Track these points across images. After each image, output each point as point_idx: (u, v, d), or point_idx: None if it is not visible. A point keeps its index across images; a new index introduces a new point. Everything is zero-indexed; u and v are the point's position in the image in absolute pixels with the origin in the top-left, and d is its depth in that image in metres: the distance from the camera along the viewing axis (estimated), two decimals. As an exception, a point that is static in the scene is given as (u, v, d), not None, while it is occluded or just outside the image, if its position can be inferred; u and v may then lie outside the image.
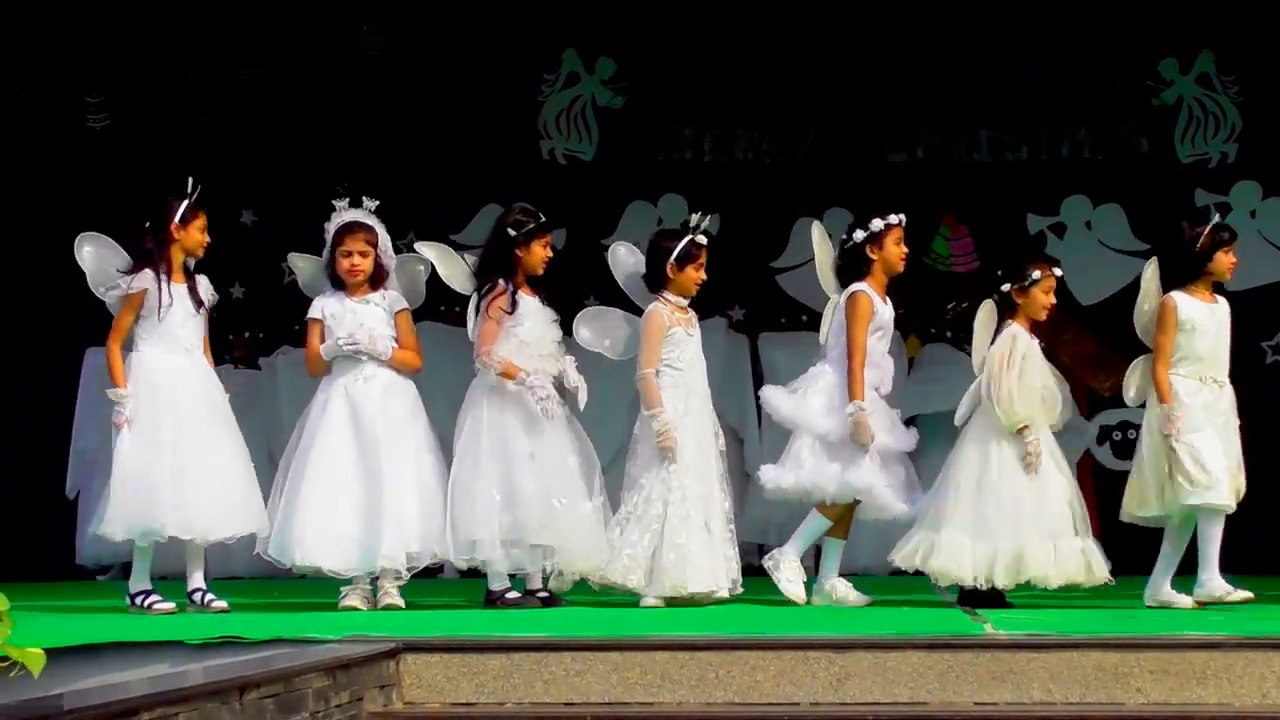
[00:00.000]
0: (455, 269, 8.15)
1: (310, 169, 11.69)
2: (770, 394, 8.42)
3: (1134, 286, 11.60)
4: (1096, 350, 11.85)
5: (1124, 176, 11.90)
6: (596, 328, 8.42)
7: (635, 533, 7.90)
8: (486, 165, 11.98)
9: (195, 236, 7.84)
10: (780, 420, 8.36)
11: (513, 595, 7.81)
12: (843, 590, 8.12)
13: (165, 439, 7.66)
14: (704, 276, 8.19)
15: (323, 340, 7.94)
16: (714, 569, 7.93)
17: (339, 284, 8.01)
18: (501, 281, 7.98)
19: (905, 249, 8.20)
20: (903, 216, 8.19)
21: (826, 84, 12.07)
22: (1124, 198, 11.89)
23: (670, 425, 7.94)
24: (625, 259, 8.37)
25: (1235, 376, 11.56)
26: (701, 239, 8.18)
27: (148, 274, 7.72)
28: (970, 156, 12.12)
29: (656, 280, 8.18)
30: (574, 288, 12.03)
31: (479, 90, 12.11)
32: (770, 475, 8.19)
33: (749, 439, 11.61)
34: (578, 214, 11.93)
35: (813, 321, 9.17)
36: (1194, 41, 11.78)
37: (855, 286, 8.13)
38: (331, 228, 8.02)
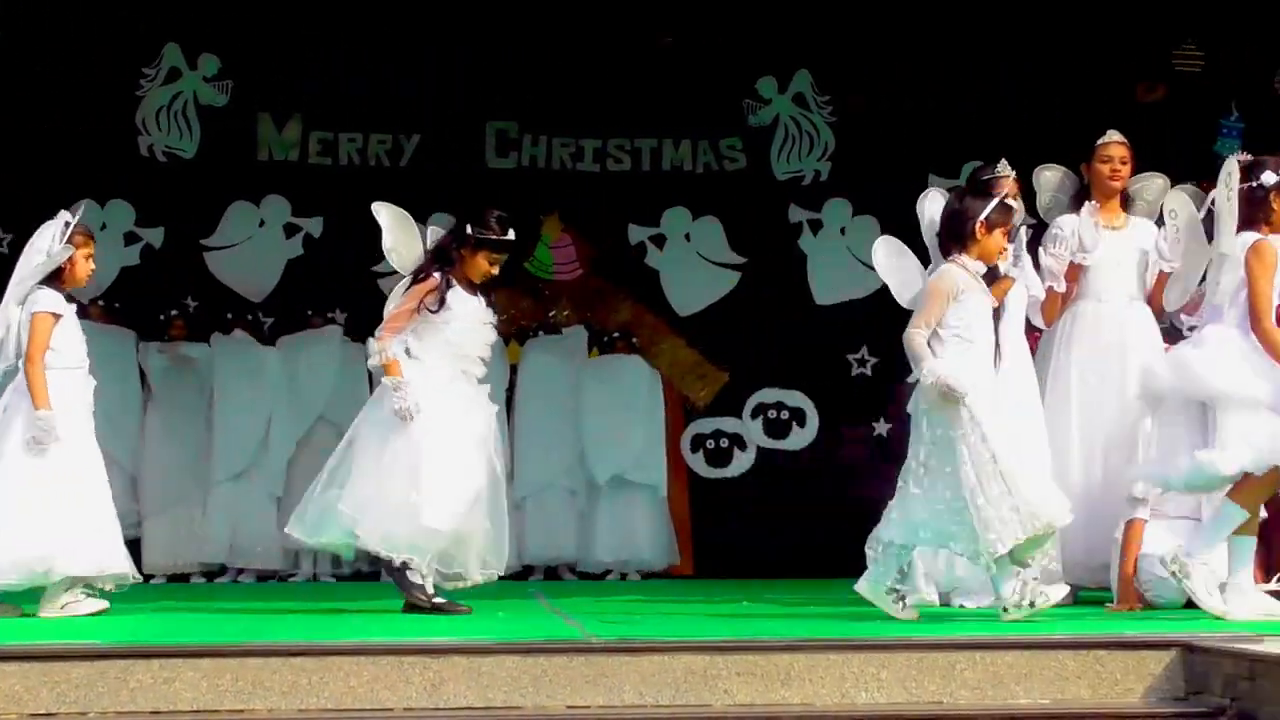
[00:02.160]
0: (407, 243, 7.98)
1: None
2: (1174, 365, 7.54)
3: (730, 298, 11.99)
4: (693, 360, 12.08)
5: (723, 191, 12.14)
6: (893, 263, 7.92)
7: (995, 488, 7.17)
8: (84, 158, 11.64)
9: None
10: (1192, 394, 7.42)
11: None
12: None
13: None
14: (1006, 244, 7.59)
15: None
16: None
17: None
18: (438, 275, 7.77)
19: None
20: None
21: (433, 88, 12.06)
22: (722, 211, 12.12)
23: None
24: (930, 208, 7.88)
25: (821, 389, 11.98)
26: (1011, 203, 7.58)
27: None
28: (574, 165, 12.23)
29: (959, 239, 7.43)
30: (172, 285, 11.85)
31: (75, 81, 11.76)
32: (1213, 460, 7.11)
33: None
34: (177, 212, 11.71)
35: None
36: (791, 61, 12.07)
37: (1255, 236, 7.35)
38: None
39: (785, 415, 11.92)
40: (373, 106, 12.12)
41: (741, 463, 11.92)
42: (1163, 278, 8.23)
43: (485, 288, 7.94)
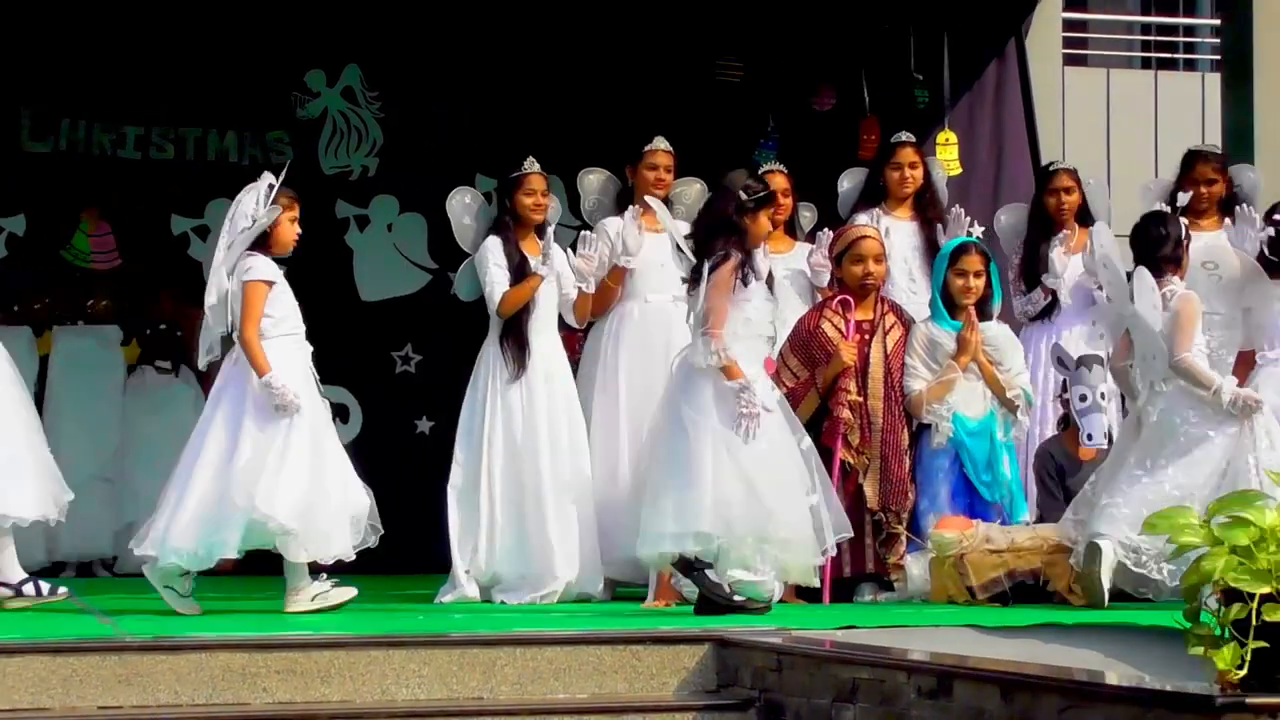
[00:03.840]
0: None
1: None
2: None
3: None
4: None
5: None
6: None
7: None
8: None
9: None
10: None
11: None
12: None
13: None
14: None
15: None
16: None
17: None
18: (735, 252, 7.27)
19: None
20: None
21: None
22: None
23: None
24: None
25: (364, 387, 11.90)
26: None
27: None
28: (115, 152, 11.88)
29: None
30: None
31: None
32: None
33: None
34: None
35: None
36: (341, 55, 11.96)
37: None
38: None
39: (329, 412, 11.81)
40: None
41: (284, 460, 11.77)
42: None
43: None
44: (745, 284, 7.34)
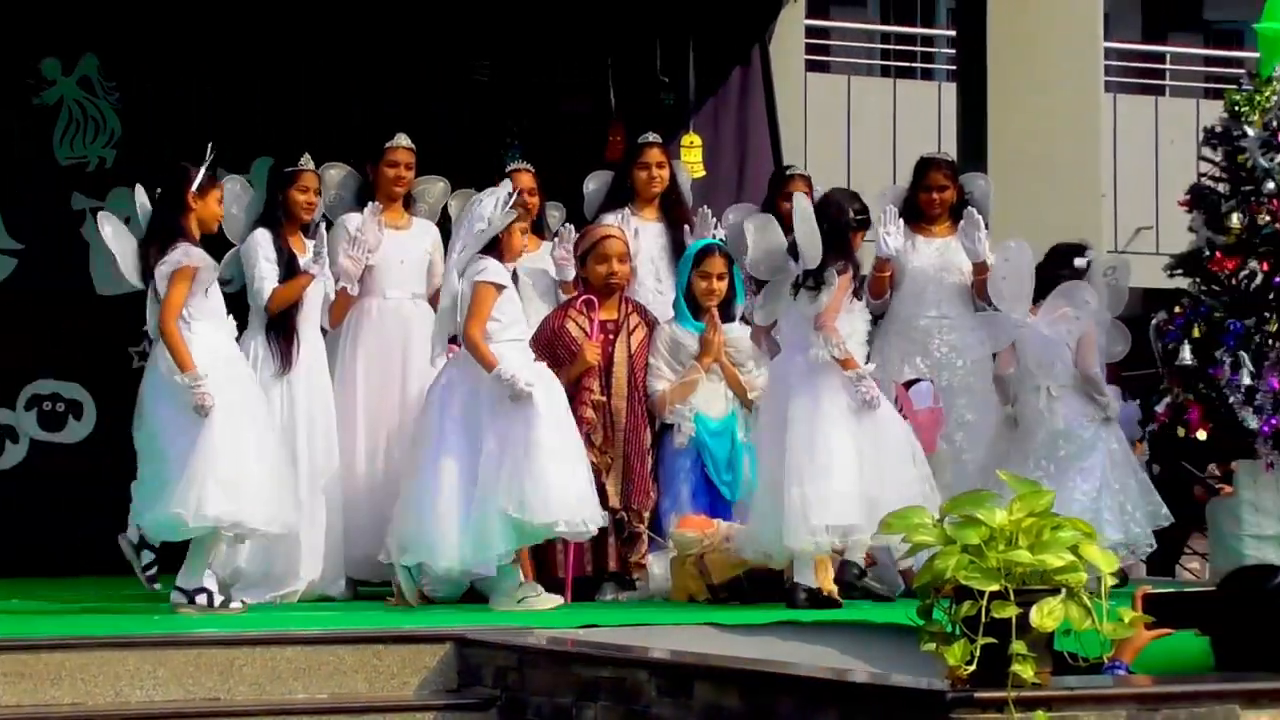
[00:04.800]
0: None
1: None
2: None
3: (6, 286, 11.49)
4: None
5: (1, 173, 11.64)
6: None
7: None
8: None
9: (212, 208, 7.68)
10: None
11: None
12: None
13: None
14: None
15: None
16: None
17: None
18: (849, 263, 7.62)
19: None
20: None
21: None
22: (1, 198, 11.63)
23: None
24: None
25: (100, 381, 11.65)
26: None
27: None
28: None
29: None
30: None
31: None
32: None
33: None
34: None
35: None
36: (78, 43, 11.71)
37: None
38: None
39: (62, 407, 11.56)
40: None
41: (13, 455, 11.47)
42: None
43: None
44: (858, 296, 7.81)
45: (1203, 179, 8.07)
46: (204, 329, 7.46)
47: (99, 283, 11.63)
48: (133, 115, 11.70)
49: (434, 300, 8.72)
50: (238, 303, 8.55)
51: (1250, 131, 7.84)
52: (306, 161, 8.53)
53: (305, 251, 8.32)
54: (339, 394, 8.48)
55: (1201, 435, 7.69)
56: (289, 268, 8.25)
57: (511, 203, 7.64)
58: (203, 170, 7.76)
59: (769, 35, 12.84)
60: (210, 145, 7.90)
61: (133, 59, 11.70)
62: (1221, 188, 7.94)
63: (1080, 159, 11.29)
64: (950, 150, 10.91)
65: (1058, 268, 8.36)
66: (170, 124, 11.60)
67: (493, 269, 7.59)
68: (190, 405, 7.22)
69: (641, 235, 9.11)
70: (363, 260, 8.50)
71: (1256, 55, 8.10)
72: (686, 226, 9.23)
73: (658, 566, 8.16)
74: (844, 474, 7.47)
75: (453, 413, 7.57)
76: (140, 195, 8.08)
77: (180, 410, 7.30)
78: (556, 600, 7.55)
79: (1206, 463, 8.47)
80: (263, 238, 8.31)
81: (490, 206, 7.61)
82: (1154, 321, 8.26)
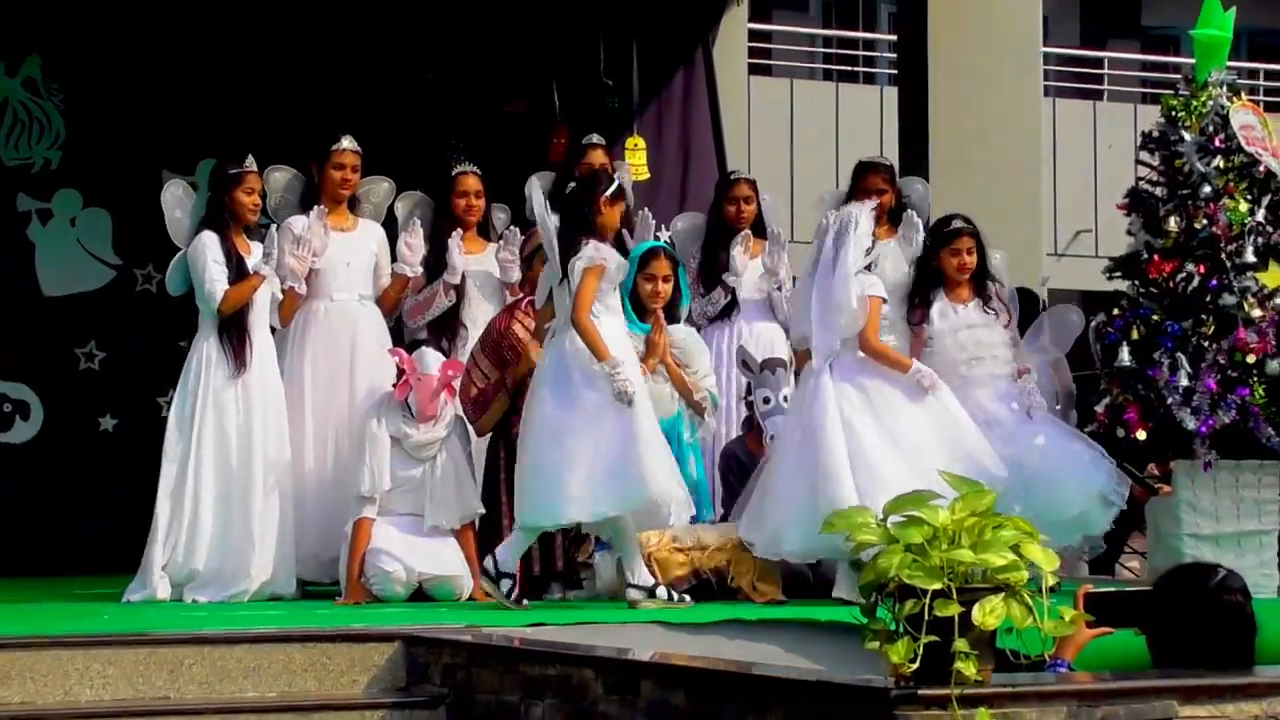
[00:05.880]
0: None
1: None
2: None
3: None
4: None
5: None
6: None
7: None
8: None
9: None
10: None
11: None
12: None
13: None
14: None
15: None
16: None
17: None
18: None
19: None
20: None
21: None
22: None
23: None
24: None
25: (45, 383, 11.59)
26: None
27: None
28: None
29: None
30: None
31: None
32: None
33: None
34: None
35: None
36: (22, 45, 11.65)
37: None
38: None
39: (9, 408, 11.52)
40: None
41: (-40, 455, 11.43)
42: None
43: None
44: None
45: (1140, 183, 8.11)
46: None
47: (45, 284, 11.61)
48: (77, 116, 11.65)
49: (385, 301, 8.79)
50: (165, 308, 8.56)
51: (1187, 136, 7.89)
52: (250, 163, 8.50)
53: (250, 253, 8.32)
54: (287, 394, 8.48)
55: (1140, 435, 7.73)
56: (238, 269, 8.25)
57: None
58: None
59: (712, 38, 12.90)
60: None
61: (77, 60, 11.65)
62: (1159, 192, 7.98)
63: (1019, 163, 11.37)
64: (892, 153, 10.99)
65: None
66: (115, 125, 11.58)
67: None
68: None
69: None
70: (309, 261, 8.52)
71: (1192, 61, 8.14)
72: (627, 230, 9.27)
73: (604, 566, 8.17)
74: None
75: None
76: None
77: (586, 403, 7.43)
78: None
79: (1145, 463, 8.52)
80: (209, 240, 8.29)
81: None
82: (1093, 324, 8.30)
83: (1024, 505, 7.16)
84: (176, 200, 8.51)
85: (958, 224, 8.35)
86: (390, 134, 10.45)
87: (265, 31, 11.45)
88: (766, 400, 8.61)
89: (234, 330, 8.23)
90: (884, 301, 7.99)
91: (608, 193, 7.66)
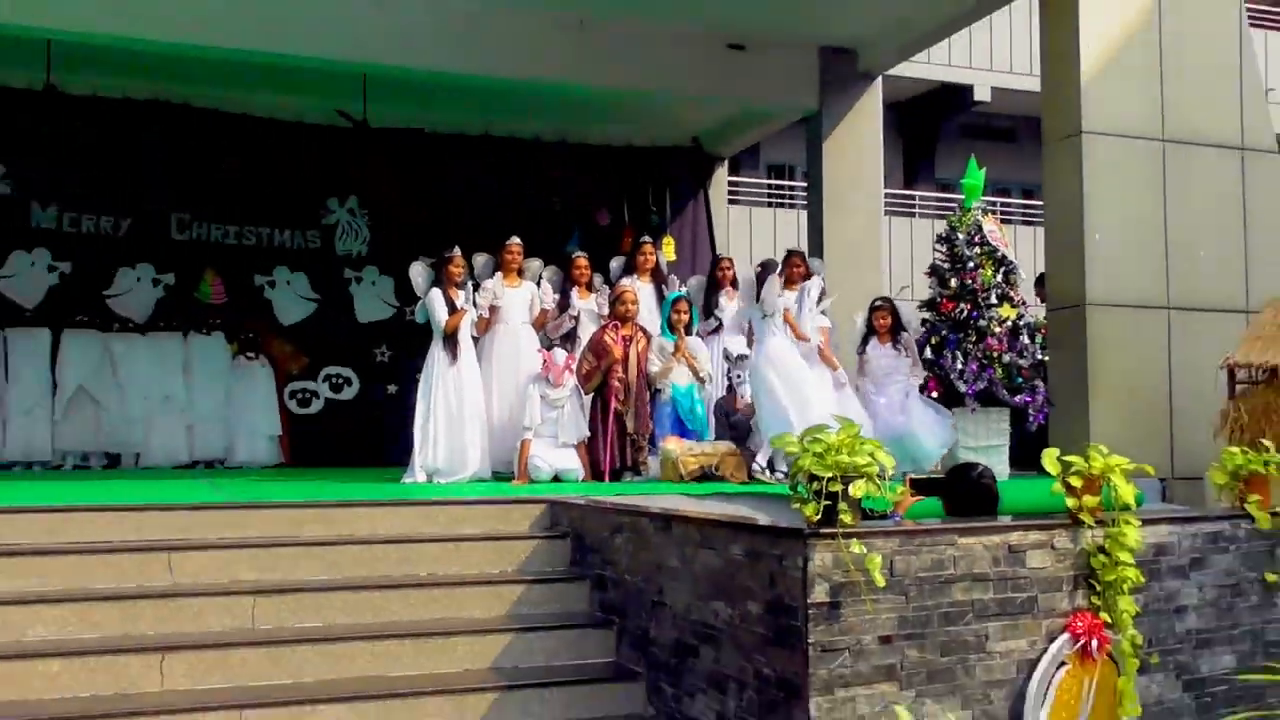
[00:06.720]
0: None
1: None
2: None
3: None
4: (292, 350, 11.46)
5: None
6: None
7: None
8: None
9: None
10: None
11: None
12: None
13: None
14: None
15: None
16: None
17: None
18: None
19: None
20: None
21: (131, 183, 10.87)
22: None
23: None
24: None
25: (360, 368, 11.48)
26: None
27: None
28: (219, 239, 11.36)
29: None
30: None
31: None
32: None
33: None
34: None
35: None
36: (347, 189, 11.60)
37: None
38: None
39: (340, 380, 11.39)
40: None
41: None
42: None
43: None
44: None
45: (936, 259, 8.02)
46: None
47: (360, 315, 11.38)
48: (376, 228, 11.43)
49: (536, 324, 8.72)
50: (416, 328, 8.40)
51: (960, 236, 7.80)
52: (456, 251, 8.20)
53: (458, 297, 8.19)
54: (482, 373, 8.38)
55: (934, 395, 7.65)
56: (451, 307, 8.20)
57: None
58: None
59: (709, 183, 12.83)
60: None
61: (378, 198, 11.39)
62: (945, 265, 7.88)
63: (871, 253, 11.25)
64: (804, 245, 10.85)
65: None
66: (395, 233, 11.40)
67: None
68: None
69: (641, 291, 9.06)
70: (489, 301, 8.46)
71: (962, 196, 8.05)
72: (664, 286, 9.23)
73: (653, 463, 8.06)
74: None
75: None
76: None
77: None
78: None
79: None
80: (436, 293, 8.06)
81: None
82: (916, 337, 8.21)
83: (907, 445, 7.15)
84: (419, 272, 8.35)
85: (879, 302, 8.16)
86: (536, 233, 10.40)
87: (474, 181, 11.40)
88: (739, 377, 8.56)
89: (450, 341, 8.06)
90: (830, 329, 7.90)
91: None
